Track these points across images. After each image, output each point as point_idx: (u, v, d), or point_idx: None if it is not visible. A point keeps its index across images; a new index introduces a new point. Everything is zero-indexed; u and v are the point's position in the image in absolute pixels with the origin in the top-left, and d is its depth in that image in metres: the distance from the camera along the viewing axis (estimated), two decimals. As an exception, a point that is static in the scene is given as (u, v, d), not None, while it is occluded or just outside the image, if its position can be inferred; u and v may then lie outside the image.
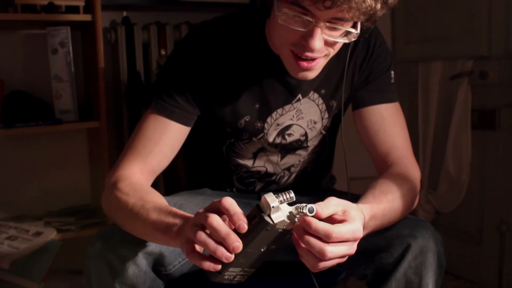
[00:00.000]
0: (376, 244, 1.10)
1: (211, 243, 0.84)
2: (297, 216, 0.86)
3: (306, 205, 0.85)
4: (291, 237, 0.90)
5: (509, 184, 2.15)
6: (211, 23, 1.27)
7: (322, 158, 1.42)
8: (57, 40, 2.03)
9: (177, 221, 0.95)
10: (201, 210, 0.89)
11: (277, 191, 1.39)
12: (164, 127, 1.21)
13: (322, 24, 1.02)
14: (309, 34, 1.03)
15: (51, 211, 2.16)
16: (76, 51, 2.10)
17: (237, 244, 0.83)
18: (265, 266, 0.95)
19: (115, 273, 1.05)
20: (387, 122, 1.27)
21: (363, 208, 1.00)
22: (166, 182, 1.67)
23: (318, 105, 1.30)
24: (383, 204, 1.07)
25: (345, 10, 0.98)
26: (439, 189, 2.40)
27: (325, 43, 1.06)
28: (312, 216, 0.86)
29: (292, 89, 1.25)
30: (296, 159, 1.36)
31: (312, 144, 1.35)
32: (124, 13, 2.29)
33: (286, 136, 1.31)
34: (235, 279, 0.93)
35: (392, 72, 1.31)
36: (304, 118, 1.30)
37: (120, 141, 2.24)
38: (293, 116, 1.29)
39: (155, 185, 1.23)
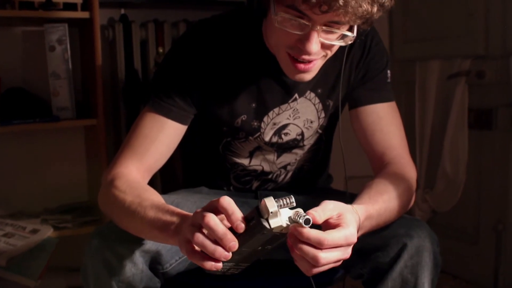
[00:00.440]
0: (372, 244, 1.10)
1: (209, 244, 0.84)
2: (294, 223, 0.86)
3: (304, 215, 0.85)
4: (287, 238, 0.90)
5: (505, 183, 2.16)
6: (208, 22, 1.27)
7: (319, 157, 1.42)
8: (54, 37, 2.02)
9: (175, 219, 0.95)
10: (198, 210, 0.89)
11: (274, 190, 1.40)
12: (160, 125, 1.21)
13: (318, 27, 1.02)
14: (306, 38, 1.03)
15: (48, 208, 2.16)
16: (73, 49, 2.10)
17: (234, 243, 0.84)
18: (262, 265, 0.96)
19: (112, 271, 1.05)
20: (384, 121, 1.27)
21: (358, 209, 1.00)
22: (163, 180, 1.67)
23: (314, 105, 1.30)
24: (378, 204, 1.07)
25: (341, 14, 0.98)
26: (436, 188, 2.40)
27: (322, 46, 1.06)
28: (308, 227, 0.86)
29: (288, 89, 1.26)
30: (292, 158, 1.37)
31: (308, 143, 1.35)
32: (122, 11, 2.29)
33: (283, 135, 1.31)
34: (229, 271, 0.95)
35: (389, 71, 1.31)
36: (300, 117, 1.30)
37: (118, 138, 2.24)
38: (290, 116, 1.29)
39: (152, 183, 1.23)
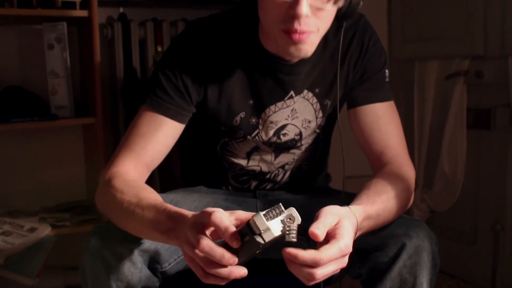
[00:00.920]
0: (371, 243, 1.10)
1: (210, 264, 0.86)
2: (287, 231, 0.86)
3: (293, 230, 0.85)
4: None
5: (504, 184, 2.16)
6: (205, 21, 1.28)
7: (317, 156, 1.42)
8: (53, 36, 2.02)
9: (173, 221, 0.95)
10: (191, 222, 0.89)
11: (273, 189, 1.40)
12: (158, 123, 1.21)
13: None
14: (295, 2, 1.04)
15: (46, 207, 2.15)
16: (72, 47, 2.10)
17: (233, 260, 0.85)
18: (262, 265, 0.96)
19: (110, 270, 1.05)
20: (382, 121, 1.27)
21: (356, 210, 1.01)
22: (161, 179, 1.67)
23: (312, 104, 1.30)
24: (377, 204, 1.07)
25: None
26: (434, 188, 2.40)
27: (314, 14, 1.07)
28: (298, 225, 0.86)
29: (283, 85, 1.26)
30: (290, 157, 1.37)
31: (306, 142, 1.35)
32: (121, 9, 2.29)
33: (281, 136, 1.31)
34: None
35: (387, 71, 1.31)
36: (298, 117, 1.30)
37: (116, 137, 2.23)
38: (288, 116, 1.29)
39: (150, 182, 1.22)
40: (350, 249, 0.91)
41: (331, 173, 1.57)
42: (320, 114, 1.32)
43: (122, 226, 1.07)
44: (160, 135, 1.21)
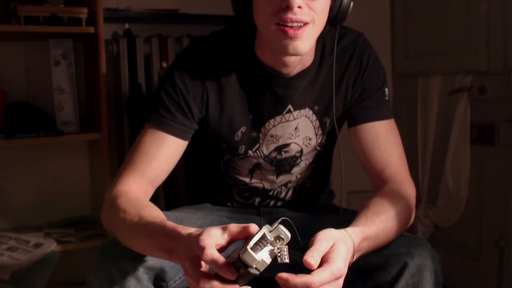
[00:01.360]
0: (373, 262, 1.11)
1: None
2: (278, 254, 0.87)
3: (285, 254, 0.87)
4: None
5: (507, 199, 2.16)
6: (204, 39, 1.30)
7: (319, 174, 1.43)
8: (59, 52, 2.04)
9: (172, 241, 0.95)
10: (187, 249, 0.90)
11: (276, 206, 1.41)
12: (161, 141, 1.23)
13: None
14: None
15: (51, 222, 2.16)
16: (78, 62, 2.12)
17: None
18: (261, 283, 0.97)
19: (116, 287, 1.06)
20: (382, 139, 1.28)
21: (353, 233, 1.02)
22: (166, 196, 1.68)
23: (312, 122, 1.31)
24: (375, 225, 1.08)
25: None
26: (438, 203, 2.41)
27: (307, 5, 1.10)
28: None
29: (281, 99, 1.27)
30: (292, 177, 1.38)
31: (305, 158, 1.36)
32: (126, 25, 2.31)
33: (283, 152, 1.32)
34: None
35: (386, 89, 1.32)
36: (300, 135, 1.32)
37: (121, 152, 2.25)
38: (292, 135, 1.30)
39: (155, 199, 1.24)
40: (343, 272, 0.92)
41: (334, 187, 1.57)
42: (320, 132, 1.33)
43: (127, 244, 1.08)
44: (163, 153, 1.22)
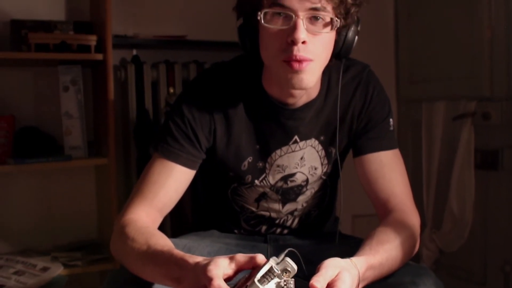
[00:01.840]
0: (378, 292, 1.12)
1: None
2: (285, 287, 0.89)
3: (290, 287, 0.88)
4: None
5: (512, 225, 2.17)
6: (213, 70, 1.34)
7: (325, 202, 1.45)
8: (68, 78, 2.08)
9: (179, 269, 0.97)
10: (195, 277, 0.92)
11: (283, 234, 1.42)
12: (169, 170, 1.25)
13: (301, 15, 1.10)
14: (293, 28, 1.11)
15: (58, 246, 2.18)
16: (86, 88, 2.15)
17: None
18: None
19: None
20: (387, 169, 1.29)
21: (358, 262, 1.03)
22: (173, 223, 1.69)
23: (318, 152, 1.33)
24: (379, 254, 1.09)
25: None
26: (443, 228, 2.41)
27: (312, 41, 1.12)
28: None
29: (287, 130, 1.29)
30: (298, 205, 1.39)
31: (311, 187, 1.37)
32: (134, 52, 2.34)
33: (289, 182, 1.34)
34: None
35: (391, 120, 1.34)
36: (306, 165, 1.33)
37: (128, 177, 2.27)
38: (298, 165, 1.32)
39: (162, 225, 1.25)
40: None
41: (338, 213, 1.58)
42: (326, 161, 1.35)
43: (136, 272, 1.09)
44: (171, 182, 1.24)
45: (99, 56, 2.03)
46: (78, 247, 2.15)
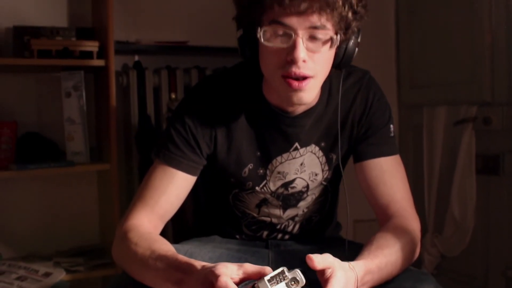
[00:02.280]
0: (379, 297, 1.12)
1: None
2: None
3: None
4: None
5: (513, 229, 2.17)
6: (214, 77, 1.35)
7: (326, 208, 1.45)
8: (70, 84, 2.09)
9: (183, 273, 0.98)
10: (201, 278, 0.92)
11: (284, 239, 1.43)
12: (170, 177, 1.25)
13: (301, 33, 1.10)
14: (292, 47, 1.10)
15: (60, 251, 2.19)
16: (88, 94, 2.16)
17: None
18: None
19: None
20: (387, 175, 1.30)
21: (356, 266, 1.04)
22: (175, 228, 1.70)
23: (318, 158, 1.34)
24: (378, 258, 1.10)
25: (315, 13, 1.07)
26: (444, 233, 2.41)
27: (311, 58, 1.12)
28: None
29: (287, 137, 1.30)
30: (299, 211, 1.40)
31: (312, 193, 1.38)
32: (136, 57, 2.35)
33: (289, 188, 1.35)
34: None
35: (392, 126, 1.34)
36: (306, 171, 1.34)
37: (130, 182, 2.27)
38: (297, 170, 1.33)
39: (164, 231, 1.26)
40: None
41: (340, 218, 1.59)
42: (326, 167, 1.35)
43: (137, 278, 1.10)
44: (172, 188, 1.25)
45: (101, 62, 2.04)
46: (80, 253, 2.16)
